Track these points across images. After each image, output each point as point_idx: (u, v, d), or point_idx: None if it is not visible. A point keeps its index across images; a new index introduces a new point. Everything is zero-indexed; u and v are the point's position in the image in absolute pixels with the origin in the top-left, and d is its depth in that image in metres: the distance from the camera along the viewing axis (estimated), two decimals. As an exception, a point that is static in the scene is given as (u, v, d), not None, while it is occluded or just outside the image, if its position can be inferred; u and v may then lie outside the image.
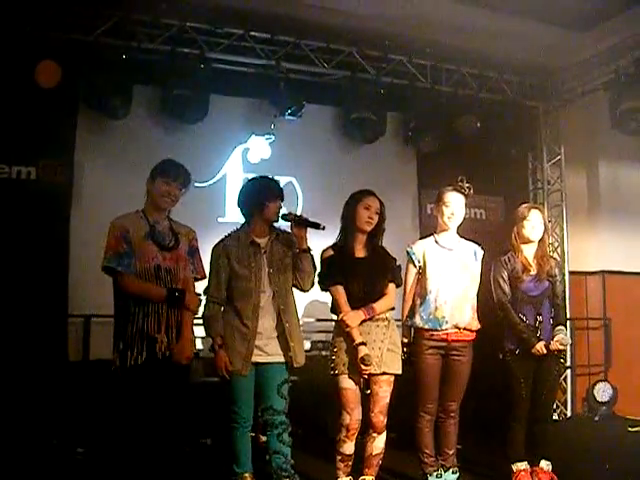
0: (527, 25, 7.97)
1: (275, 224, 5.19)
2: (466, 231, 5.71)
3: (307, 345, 7.75)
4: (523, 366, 5.43)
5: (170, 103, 7.71)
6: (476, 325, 5.37)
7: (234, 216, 7.97)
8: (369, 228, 5.16)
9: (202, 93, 7.73)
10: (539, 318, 5.46)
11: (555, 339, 5.42)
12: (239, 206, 5.24)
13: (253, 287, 4.95)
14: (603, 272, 9.42)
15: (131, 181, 7.61)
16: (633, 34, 7.84)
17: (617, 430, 8.25)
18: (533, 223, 5.53)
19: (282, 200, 5.19)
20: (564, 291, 5.76)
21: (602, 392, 8.97)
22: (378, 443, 5.13)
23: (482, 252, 5.49)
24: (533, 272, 5.50)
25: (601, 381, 9.06)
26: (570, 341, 5.60)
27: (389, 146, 9.00)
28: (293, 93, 8.04)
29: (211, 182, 8.13)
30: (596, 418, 8.86)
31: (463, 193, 5.41)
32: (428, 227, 8.93)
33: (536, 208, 5.70)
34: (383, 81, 8.44)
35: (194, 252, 4.92)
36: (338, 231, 5.31)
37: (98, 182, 7.65)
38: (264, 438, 5.14)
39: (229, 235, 5.17)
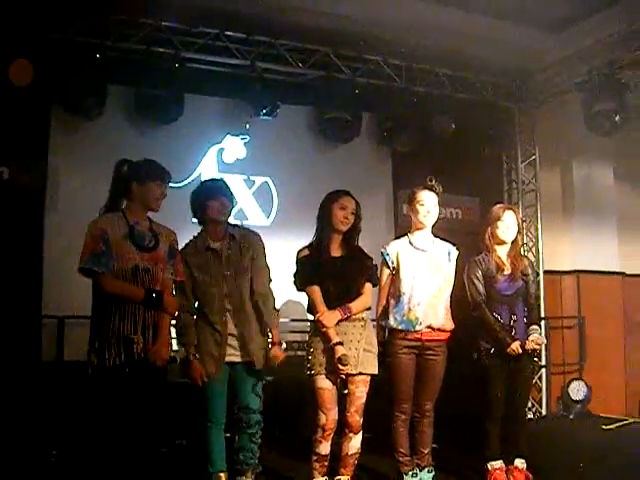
0: (502, 26, 8.03)
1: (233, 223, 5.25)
2: (442, 231, 5.70)
3: (284, 345, 7.75)
4: (498, 365, 5.45)
5: (145, 103, 7.67)
6: (450, 325, 5.37)
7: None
8: (345, 228, 5.14)
9: (177, 93, 7.72)
10: (513, 317, 5.48)
11: (530, 338, 5.43)
12: (192, 213, 5.28)
13: (216, 292, 4.96)
14: (577, 271, 9.48)
15: (105, 181, 7.56)
16: (606, 36, 7.88)
17: (591, 428, 8.29)
18: (507, 224, 5.55)
19: (228, 198, 5.16)
20: (538, 290, 5.81)
21: (577, 391, 9.03)
22: (354, 443, 5.12)
23: (456, 252, 5.48)
24: (507, 272, 5.53)
25: (576, 380, 9.11)
26: (545, 340, 5.63)
27: (364, 146, 9.03)
28: (268, 93, 8.03)
29: (186, 182, 8.08)
30: (571, 416, 8.92)
31: (435, 192, 5.41)
32: (403, 227, 8.90)
33: (510, 209, 5.71)
34: (358, 81, 8.45)
35: (174, 254, 4.84)
36: (314, 231, 5.30)
37: (72, 182, 7.60)
38: None
39: (188, 243, 5.16)
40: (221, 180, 5.43)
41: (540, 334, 5.55)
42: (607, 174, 9.75)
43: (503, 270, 5.52)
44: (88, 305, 4.64)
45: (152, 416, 4.60)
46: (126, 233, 4.57)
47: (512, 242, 5.62)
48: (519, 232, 5.68)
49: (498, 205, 5.79)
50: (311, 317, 5.19)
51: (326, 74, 8.30)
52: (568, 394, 9.05)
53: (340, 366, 4.87)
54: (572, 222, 9.58)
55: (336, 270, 5.10)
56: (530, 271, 5.64)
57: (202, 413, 5.00)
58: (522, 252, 5.88)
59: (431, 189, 5.39)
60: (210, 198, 5.12)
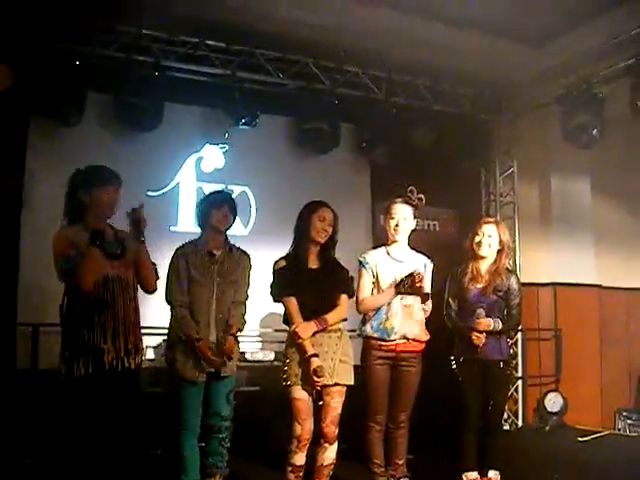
0: (482, 39, 8.06)
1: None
2: (420, 242, 5.74)
3: (271, 356, 7.79)
4: (469, 374, 5.47)
5: (124, 110, 7.62)
6: (425, 336, 5.40)
7: (187, 225, 8.00)
8: (323, 240, 5.16)
9: (156, 101, 7.66)
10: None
11: (478, 320, 5.49)
12: (195, 219, 5.48)
13: (205, 294, 5.12)
14: (554, 284, 9.51)
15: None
16: (585, 50, 7.93)
17: (567, 440, 8.32)
18: (482, 238, 5.60)
19: (232, 210, 5.38)
20: (519, 305, 5.72)
21: (553, 402, 9.05)
22: (329, 453, 5.11)
23: (432, 264, 5.51)
24: (480, 285, 5.57)
25: (552, 391, 9.13)
26: (491, 323, 5.55)
27: (343, 157, 8.99)
28: (248, 103, 8.00)
29: (164, 191, 8.06)
30: (547, 428, 8.93)
31: (411, 204, 5.44)
32: (381, 239, 8.90)
33: (490, 223, 5.75)
34: (338, 92, 8.45)
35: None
36: (291, 241, 5.30)
37: (49, 189, 7.48)
38: None
39: (186, 244, 5.32)
40: (224, 191, 5.71)
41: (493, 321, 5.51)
42: (584, 187, 9.80)
43: (477, 282, 5.54)
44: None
45: (123, 425, 4.61)
46: (91, 242, 4.56)
47: (496, 255, 5.64)
48: (503, 248, 5.65)
49: (483, 218, 5.93)
50: (287, 328, 5.20)
51: (306, 84, 8.31)
52: (544, 406, 9.06)
53: (315, 378, 4.87)
54: (549, 234, 9.62)
55: (312, 282, 5.12)
56: (509, 286, 5.61)
57: (177, 420, 5.04)
58: (507, 268, 5.80)
59: (406, 202, 5.43)
60: (214, 207, 5.29)
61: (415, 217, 5.53)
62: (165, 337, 5.65)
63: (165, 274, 5.33)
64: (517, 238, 9.58)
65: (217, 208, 5.28)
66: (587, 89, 8.07)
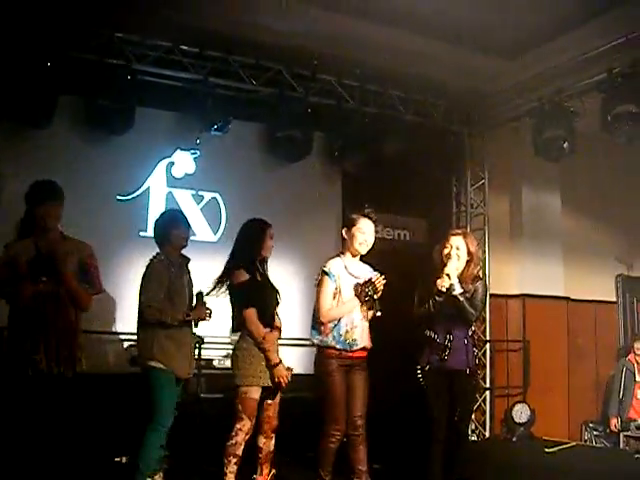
0: (456, 51, 8.11)
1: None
2: (390, 252, 5.78)
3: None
4: (435, 383, 5.43)
5: (95, 114, 7.56)
6: (370, 344, 5.56)
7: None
8: (269, 256, 5.68)
9: (128, 105, 7.61)
10: (449, 337, 5.41)
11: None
12: (155, 238, 5.74)
13: (181, 302, 5.48)
14: (523, 295, 9.56)
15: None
16: (557, 64, 8.00)
17: (534, 451, 8.35)
18: (450, 250, 5.57)
19: (189, 229, 5.87)
20: (482, 302, 5.71)
21: (520, 413, 9.08)
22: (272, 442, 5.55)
23: (379, 275, 5.55)
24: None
25: (519, 402, 9.17)
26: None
27: (315, 165, 8.99)
28: (220, 108, 7.98)
29: (134, 195, 8.00)
30: (514, 439, 8.96)
31: (373, 220, 5.58)
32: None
33: (457, 234, 5.71)
34: (311, 100, 8.44)
35: (87, 268, 5.06)
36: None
37: (19, 192, 7.40)
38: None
39: (158, 258, 5.57)
40: (181, 211, 6.11)
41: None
42: (555, 200, 9.88)
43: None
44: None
45: (58, 430, 4.73)
46: (30, 258, 4.75)
47: (465, 266, 5.58)
48: (472, 258, 5.61)
49: (451, 230, 5.90)
50: (233, 335, 5.64)
51: (279, 92, 8.27)
52: (511, 417, 9.10)
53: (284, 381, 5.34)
54: (519, 246, 9.68)
55: (268, 294, 5.58)
56: (477, 290, 5.55)
57: (151, 413, 5.25)
58: (477, 276, 5.79)
59: (373, 219, 5.55)
60: (175, 227, 5.65)
61: None
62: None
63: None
64: (487, 249, 9.63)
65: (178, 228, 5.67)
66: (558, 103, 8.14)
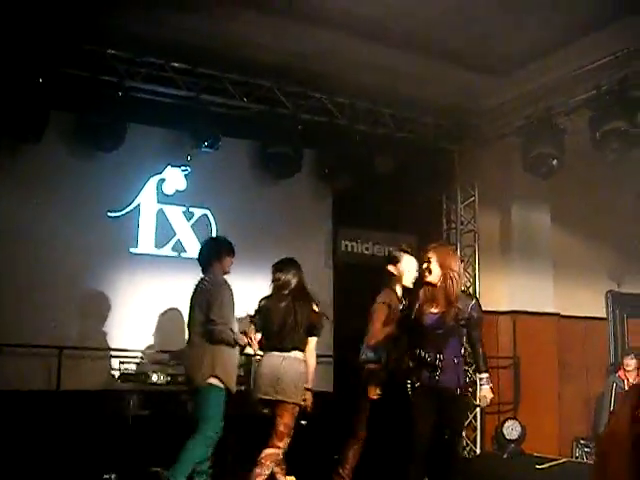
0: (446, 68, 8.16)
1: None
2: (380, 269, 5.77)
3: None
4: (423, 402, 5.34)
5: (86, 130, 7.56)
6: None
7: (147, 247, 7.93)
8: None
9: (119, 121, 7.61)
10: (439, 356, 5.29)
11: (482, 393, 5.50)
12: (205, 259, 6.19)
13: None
14: (513, 312, 9.57)
15: (45, 207, 7.51)
16: (546, 81, 8.06)
17: (525, 468, 8.35)
18: (424, 264, 5.56)
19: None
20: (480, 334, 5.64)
21: (511, 430, 9.07)
22: None
23: None
24: (436, 309, 5.41)
25: (510, 419, 9.16)
26: (491, 395, 5.56)
27: (305, 182, 9.00)
28: (211, 125, 7.98)
29: (124, 212, 7.99)
30: (505, 456, 8.95)
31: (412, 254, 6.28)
32: (342, 264, 9.02)
33: (428, 249, 5.62)
34: (301, 117, 8.46)
35: None
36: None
37: (8, 206, 7.44)
38: None
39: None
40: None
41: (490, 384, 5.50)
42: (544, 217, 9.92)
43: (431, 306, 5.44)
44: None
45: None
46: None
47: (442, 281, 5.47)
48: (447, 272, 5.46)
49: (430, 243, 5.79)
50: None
51: (269, 109, 8.29)
52: (502, 433, 9.09)
53: None
54: (509, 263, 9.70)
55: None
56: (474, 316, 5.45)
57: (206, 430, 5.66)
58: (467, 293, 5.79)
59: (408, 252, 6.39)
60: (229, 254, 6.18)
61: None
62: None
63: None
64: (477, 266, 9.65)
65: (230, 255, 6.19)
66: (548, 120, 8.17)
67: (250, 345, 5.96)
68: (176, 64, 7.85)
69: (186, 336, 6.15)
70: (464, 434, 9.20)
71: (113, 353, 7.60)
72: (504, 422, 9.16)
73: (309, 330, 6.03)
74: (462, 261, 9.45)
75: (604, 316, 10.60)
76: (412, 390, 5.43)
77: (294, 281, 6.09)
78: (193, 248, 8.30)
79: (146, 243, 8.05)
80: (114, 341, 7.64)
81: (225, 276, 6.05)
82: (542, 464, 8.30)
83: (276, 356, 5.90)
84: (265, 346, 6.06)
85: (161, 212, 8.20)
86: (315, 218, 9.11)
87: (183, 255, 8.23)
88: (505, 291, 9.71)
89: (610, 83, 7.47)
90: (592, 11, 7.08)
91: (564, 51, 7.71)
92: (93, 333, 7.56)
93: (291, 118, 8.41)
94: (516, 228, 9.75)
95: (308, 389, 5.98)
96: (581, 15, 7.16)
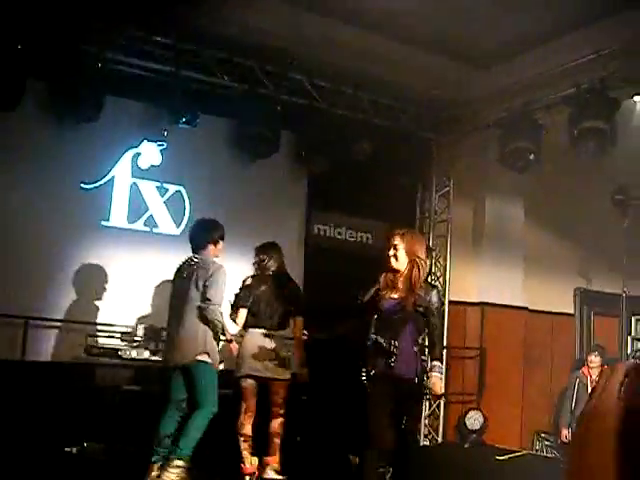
0: (428, 57, 8.18)
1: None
2: (353, 254, 5.76)
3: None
4: (380, 389, 5.22)
5: (63, 100, 7.45)
6: None
7: (119, 220, 7.88)
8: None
9: (97, 93, 7.50)
10: (394, 343, 5.21)
11: (432, 381, 5.30)
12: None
13: None
14: (482, 304, 9.62)
15: (18, 176, 7.43)
16: (528, 76, 8.07)
17: (485, 458, 8.41)
18: (390, 250, 5.41)
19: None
20: (442, 324, 5.63)
21: (473, 420, 9.15)
22: None
23: None
24: (396, 295, 5.35)
25: (473, 409, 9.23)
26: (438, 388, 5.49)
27: (281, 164, 8.95)
28: (189, 102, 7.91)
29: (98, 184, 7.92)
30: (466, 445, 9.02)
31: None
32: (314, 247, 9.02)
33: (395, 235, 5.48)
34: (281, 98, 8.42)
35: None
36: None
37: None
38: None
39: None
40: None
41: (441, 372, 5.40)
42: (518, 211, 9.96)
43: (390, 293, 5.37)
44: None
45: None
46: None
47: (408, 269, 5.39)
48: (413, 259, 5.38)
49: (392, 231, 5.60)
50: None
51: (249, 88, 8.23)
52: (464, 423, 9.16)
53: None
54: (480, 255, 9.74)
55: None
56: (434, 304, 5.37)
57: (208, 404, 5.85)
58: (428, 281, 5.71)
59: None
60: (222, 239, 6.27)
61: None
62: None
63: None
64: (449, 256, 9.69)
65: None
66: (527, 115, 8.20)
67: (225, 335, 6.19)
68: (158, 38, 7.73)
69: (164, 311, 6.27)
70: (426, 422, 9.28)
71: (83, 326, 7.56)
72: (467, 412, 9.23)
73: (295, 310, 6.56)
74: (433, 250, 9.51)
75: (572, 312, 10.68)
76: (368, 377, 5.38)
77: (277, 263, 6.64)
78: (165, 224, 8.28)
79: (118, 217, 8.00)
80: (84, 314, 7.60)
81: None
82: (502, 455, 8.38)
83: (263, 334, 6.39)
84: (250, 323, 6.47)
85: (135, 186, 8.14)
86: (289, 200, 9.08)
87: (155, 231, 8.19)
88: (475, 282, 9.76)
89: (591, 81, 7.50)
90: (576, 9, 7.13)
91: (547, 47, 7.76)
92: (59, 304, 7.52)
93: (271, 98, 8.35)
94: (489, 220, 9.78)
95: (303, 365, 6.41)
96: (565, 13, 7.22)
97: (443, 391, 5.55)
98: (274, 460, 6.41)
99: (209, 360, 5.86)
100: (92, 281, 7.67)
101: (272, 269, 6.62)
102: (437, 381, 5.31)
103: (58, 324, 7.46)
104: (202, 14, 7.43)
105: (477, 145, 9.50)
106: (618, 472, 3.82)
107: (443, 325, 8.78)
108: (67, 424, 6.52)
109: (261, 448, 6.44)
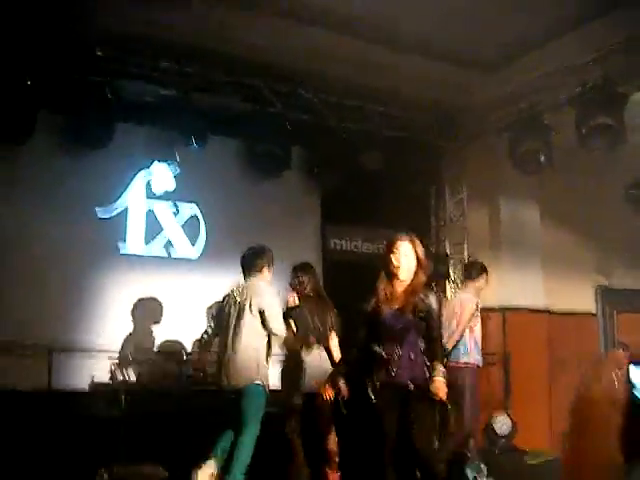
0: (434, 65, 8.16)
1: None
2: (370, 264, 5.75)
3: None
4: (385, 400, 5.17)
5: (74, 129, 7.54)
6: None
7: (135, 247, 7.92)
8: None
9: (107, 120, 7.59)
10: (397, 352, 5.13)
11: (435, 385, 5.11)
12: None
13: None
14: (503, 308, 9.57)
15: (32, 207, 7.49)
16: (535, 77, 8.07)
17: (517, 463, 8.34)
18: (397, 257, 5.29)
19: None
20: (440, 327, 5.49)
21: (501, 425, 9.07)
22: None
23: None
24: (395, 305, 5.25)
25: (500, 415, 9.16)
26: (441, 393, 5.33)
27: (294, 180, 9.01)
28: (199, 124, 7.97)
29: (113, 211, 7.97)
30: (496, 451, 8.95)
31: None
32: (331, 262, 9.01)
33: (404, 240, 5.37)
34: (290, 115, 8.44)
35: None
36: None
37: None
38: None
39: None
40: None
41: (443, 375, 5.16)
42: (533, 212, 9.91)
43: (391, 303, 5.26)
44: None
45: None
46: None
47: (413, 277, 5.30)
48: (420, 266, 5.30)
49: (398, 236, 5.45)
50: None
51: (258, 107, 8.26)
52: (493, 429, 9.09)
53: None
54: (499, 259, 9.67)
55: None
56: (434, 310, 5.27)
57: (254, 427, 6.09)
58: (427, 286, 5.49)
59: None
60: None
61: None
62: None
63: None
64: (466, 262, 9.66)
65: None
66: (535, 116, 8.19)
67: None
68: (165, 63, 7.75)
69: (199, 335, 6.83)
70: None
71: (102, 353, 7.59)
72: (495, 418, 9.17)
73: (332, 327, 6.89)
74: (447, 255, 9.49)
75: (594, 311, 10.62)
76: (373, 390, 5.23)
77: (314, 282, 7.04)
78: (182, 247, 8.31)
79: (135, 242, 8.05)
80: (100, 339, 7.63)
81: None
82: (533, 459, 8.31)
83: (315, 352, 6.78)
84: (298, 342, 6.80)
85: (150, 211, 8.19)
86: (304, 216, 9.12)
87: (173, 255, 8.23)
88: (494, 287, 9.66)
89: (595, 79, 7.49)
90: (577, 8, 7.12)
91: (550, 47, 7.73)
92: (82, 333, 7.55)
93: (280, 116, 8.39)
94: (505, 224, 9.74)
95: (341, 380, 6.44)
96: (566, 11, 7.19)
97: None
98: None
99: (262, 383, 6.12)
100: (110, 306, 7.72)
101: (310, 288, 6.95)
102: (441, 385, 5.13)
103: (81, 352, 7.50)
104: (207, 37, 7.49)
105: (488, 149, 9.47)
106: (609, 457, 3.84)
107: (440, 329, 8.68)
108: (96, 449, 6.53)
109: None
